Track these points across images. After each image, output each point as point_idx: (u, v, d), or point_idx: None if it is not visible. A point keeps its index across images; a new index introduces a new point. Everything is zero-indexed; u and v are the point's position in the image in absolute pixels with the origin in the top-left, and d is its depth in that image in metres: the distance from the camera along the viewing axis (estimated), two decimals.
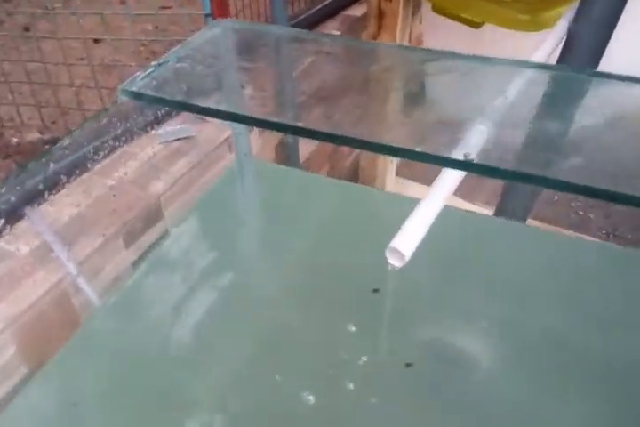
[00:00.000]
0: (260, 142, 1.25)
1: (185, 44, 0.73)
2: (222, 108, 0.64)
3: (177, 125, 1.16)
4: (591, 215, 1.82)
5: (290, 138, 1.23)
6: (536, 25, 1.24)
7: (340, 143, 0.56)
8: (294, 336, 0.77)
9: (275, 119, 0.61)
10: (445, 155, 0.55)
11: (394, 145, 0.54)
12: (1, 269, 0.84)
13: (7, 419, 0.67)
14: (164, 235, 0.95)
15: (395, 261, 0.65)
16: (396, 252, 0.64)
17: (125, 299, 0.82)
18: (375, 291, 0.81)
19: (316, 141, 1.42)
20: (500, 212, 1.09)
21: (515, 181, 0.57)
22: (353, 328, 0.77)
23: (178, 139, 1.14)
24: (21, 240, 0.88)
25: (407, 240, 0.63)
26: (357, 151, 1.55)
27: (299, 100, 0.66)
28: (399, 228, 0.65)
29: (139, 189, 1.02)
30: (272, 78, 0.74)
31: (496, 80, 0.69)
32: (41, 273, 0.84)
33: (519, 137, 0.62)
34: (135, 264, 0.95)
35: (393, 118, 0.68)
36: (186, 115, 1.20)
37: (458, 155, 0.56)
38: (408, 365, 0.73)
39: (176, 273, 0.84)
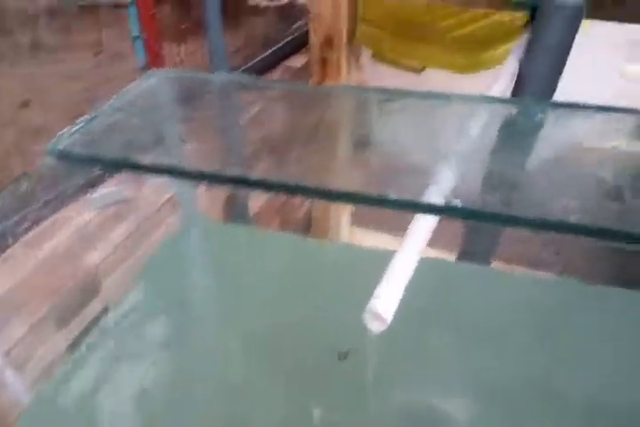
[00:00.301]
0: (206, 200, 1.16)
1: (119, 95, 0.66)
2: (161, 163, 0.56)
3: (112, 188, 1.06)
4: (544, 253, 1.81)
5: (238, 193, 1.15)
6: (475, 66, 1.24)
7: (307, 194, 0.49)
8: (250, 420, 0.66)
9: (221, 172, 0.53)
10: (425, 201, 0.49)
11: (370, 193, 0.47)
12: None
13: None
14: (102, 311, 0.83)
15: (374, 325, 0.57)
16: (376, 315, 0.56)
17: (58, 392, 0.69)
18: (342, 356, 0.72)
19: (266, 195, 1.34)
20: (463, 256, 1.04)
21: (496, 223, 0.50)
22: (318, 409, 0.67)
23: (115, 203, 1.04)
24: None
25: (386, 301, 0.55)
26: (308, 203, 1.49)
27: (245, 151, 0.59)
28: (359, 282, 0.58)
29: (72, 260, 0.90)
30: (215, 128, 0.67)
31: (451, 117, 0.65)
32: None
33: (486, 176, 0.57)
34: (70, 348, 0.83)
35: (351, 165, 0.62)
36: (122, 175, 1.10)
37: (437, 200, 0.49)
38: None
39: (118, 357, 0.72)
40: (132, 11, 1.07)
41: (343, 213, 1.51)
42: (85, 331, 0.80)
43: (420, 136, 0.63)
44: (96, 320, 0.78)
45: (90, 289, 0.90)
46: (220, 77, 0.72)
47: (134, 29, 1.07)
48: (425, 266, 0.69)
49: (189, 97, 0.68)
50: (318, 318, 0.78)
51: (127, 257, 0.96)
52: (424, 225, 0.64)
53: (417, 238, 0.61)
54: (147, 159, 0.57)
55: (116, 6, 1.76)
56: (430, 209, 0.49)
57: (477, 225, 0.99)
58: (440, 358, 0.74)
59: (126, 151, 0.58)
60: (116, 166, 0.60)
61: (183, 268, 0.90)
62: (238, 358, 0.74)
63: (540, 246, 1.85)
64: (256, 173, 0.54)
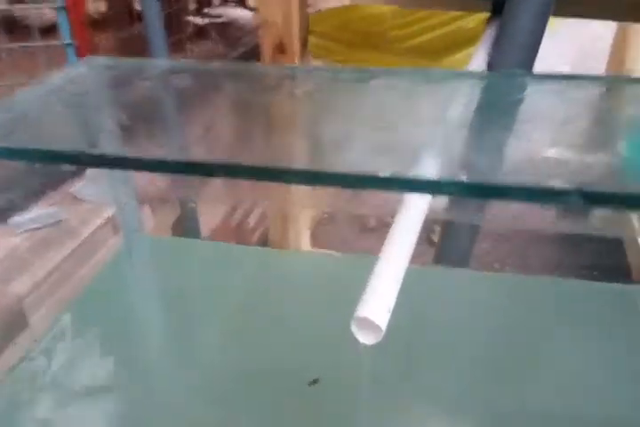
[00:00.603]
0: (153, 221, 1.05)
1: (43, 83, 0.55)
2: (98, 152, 0.45)
3: (41, 210, 0.93)
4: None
5: (188, 212, 1.04)
6: None
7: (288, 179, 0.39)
8: None
9: (171, 158, 0.43)
10: (426, 178, 0.40)
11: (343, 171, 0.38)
12: None
13: None
14: (28, 350, 0.69)
15: (365, 337, 0.47)
16: (367, 324, 0.46)
17: None
18: (313, 382, 0.61)
19: (219, 213, 1.23)
20: (438, 259, 0.96)
21: (508, 197, 0.42)
22: None
23: (44, 226, 0.91)
24: None
25: (379, 307, 0.46)
26: (265, 223, 1.39)
27: (200, 134, 0.49)
28: (325, 293, 0.48)
29: None
30: (156, 113, 0.56)
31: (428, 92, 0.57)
32: None
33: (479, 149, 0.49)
34: None
35: (314, 145, 0.53)
36: (53, 197, 0.97)
37: (433, 176, 0.41)
38: None
39: (46, 407, 0.59)
40: (62, 17, 0.97)
41: (302, 235, 1.42)
42: (8, 373, 0.65)
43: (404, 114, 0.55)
44: (21, 361, 0.64)
45: (14, 325, 0.76)
46: (156, 63, 0.63)
47: (65, 37, 0.97)
48: (409, 274, 0.60)
49: (128, 83, 0.58)
50: (291, 335, 0.67)
51: (57, 288, 0.83)
52: (409, 224, 0.56)
53: (404, 237, 0.52)
54: (78, 148, 0.46)
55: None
56: (428, 186, 0.40)
57: (453, 227, 0.92)
58: (418, 376, 0.65)
59: (54, 141, 0.48)
60: (38, 158, 0.49)
61: (128, 291, 0.77)
62: (197, 395, 0.62)
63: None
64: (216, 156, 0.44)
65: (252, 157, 0.41)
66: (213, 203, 1.20)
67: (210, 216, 1.19)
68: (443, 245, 0.91)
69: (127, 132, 0.50)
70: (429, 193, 0.50)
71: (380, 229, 1.67)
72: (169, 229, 1.07)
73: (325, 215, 1.99)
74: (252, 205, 1.36)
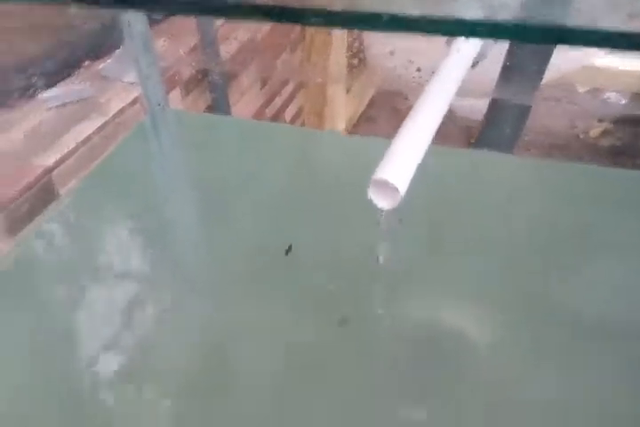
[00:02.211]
0: (183, 105, 1.02)
1: None
2: None
3: (71, 87, 0.91)
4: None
5: (218, 94, 1.00)
6: None
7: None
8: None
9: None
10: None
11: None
12: None
13: None
14: (54, 221, 0.70)
15: (382, 202, 0.44)
16: (385, 187, 0.42)
17: None
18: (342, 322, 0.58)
19: (247, 101, 1.19)
20: (480, 144, 0.91)
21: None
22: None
23: (73, 101, 0.89)
24: None
25: (398, 169, 0.42)
26: (299, 112, 1.34)
27: None
28: (356, 174, 0.44)
29: (23, 164, 0.77)
30: None
31: None
32: None
33: None
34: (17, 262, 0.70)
35: None
36: (83, 74, 0.95)
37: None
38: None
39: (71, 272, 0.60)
40: None
41: (337, 124, 1.37)
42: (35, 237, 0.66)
43: None
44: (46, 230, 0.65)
45: (44, 196, 0.76)
46: None
47: None
48: (436, 153, 0.55)
49: None
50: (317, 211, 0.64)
51: (85, 162, 0.82)
52: (437, 96, 0.50)
53: (439, 93, 0.47)
54: None
55: None
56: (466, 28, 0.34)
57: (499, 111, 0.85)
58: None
59: None
60: None
61: (150, 166, 0.76)
62: (223, 277, 0.61)
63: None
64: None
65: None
66: (245, 87, 1.15)
67: (243, 106, 1.15)
68: (486, 127, 0.85)
69: None
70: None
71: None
72: (198, 107, 1.04)
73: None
74: (288, 97, 1.30)
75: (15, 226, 0.72)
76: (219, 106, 1.00)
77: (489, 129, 0.92)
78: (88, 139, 0.84)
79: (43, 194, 0.77)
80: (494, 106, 0.92)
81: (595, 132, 1.82)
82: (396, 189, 0.41)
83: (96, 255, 0.62)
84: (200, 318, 0.56)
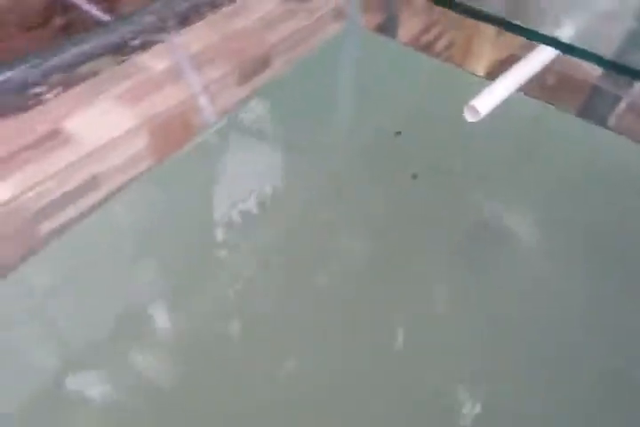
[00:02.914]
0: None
1: None
2: None
3: None
4: None
5: (390, 14, 1.32)
6: None
7: None
8: None
9: None
10: None
11: None
12: (139, 78, 1.01)
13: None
14: (269, 81, 1.10)
15: (471, 117, 0.79)
16: (473, 109, 0.77)
17: (234, 124, 0.99)
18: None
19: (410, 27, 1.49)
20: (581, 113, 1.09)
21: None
22: None
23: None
24: (157, 59, 1.05)
25: (485, 97, 0.76)
26: (449, 45, 1.61)
27: None
28: None
29: (256, 37, 1.16)
30: None
31: None
32: (171, 88, 1.01)
33: None
34: (243, 101, 1.11)
35: None
36: None
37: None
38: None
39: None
40: None
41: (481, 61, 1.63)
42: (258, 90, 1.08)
43: None
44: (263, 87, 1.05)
45: (263, 63, 1.16)
46: None
47: None
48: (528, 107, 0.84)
49: None
50: None
51: (294, 47, 1.20)
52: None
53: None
54: None
55: None
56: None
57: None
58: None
59: None
60: None
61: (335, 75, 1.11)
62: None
63: None
64: None
65: None
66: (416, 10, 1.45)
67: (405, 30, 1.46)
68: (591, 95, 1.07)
69: None
70: None
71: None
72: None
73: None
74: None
75: (243, 78, 1.12)
76: (388, 26, 1.33)
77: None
78: (297, 30, 1.21)
79: (261, 64, 1.16)
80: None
81: None
82: (477, 111, 0.76)
83: None
84: None
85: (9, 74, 0.86)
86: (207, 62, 1.07)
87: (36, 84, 0.84)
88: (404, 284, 0.66)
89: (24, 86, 0.82)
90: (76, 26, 1.47)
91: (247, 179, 0.85)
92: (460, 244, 0.72)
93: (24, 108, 0.82)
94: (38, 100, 0.85)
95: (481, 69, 1.78)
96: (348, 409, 0.53)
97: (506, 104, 0.83)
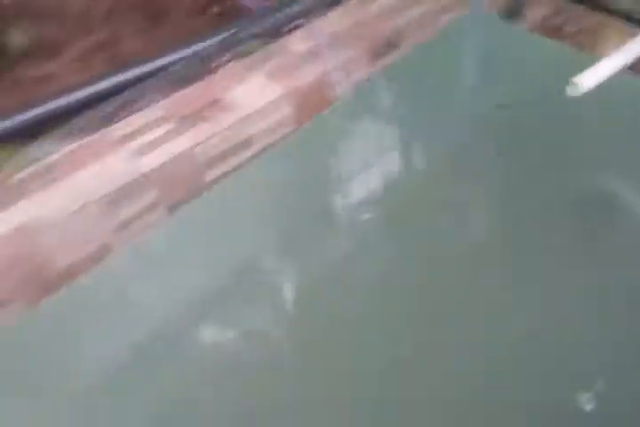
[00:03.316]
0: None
1: None
2: None
3: None
4: None
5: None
6: None
7: None
8: None
9: None
10: None
11: None
12: (285, 57, 1.21)
13: None
14: (396, 62, 1.24)
15: (572, 92, 0.88)
16: (576, 84, 0.87)
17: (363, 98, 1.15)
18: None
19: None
20: None
21: None
22: None
23: None
24: (300, 41, 1.24)
25: (589, 76, 0.85)
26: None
27: None
28: None
29: (385, 21, 1.31)
30: None
31: None
32: (311, 66, 1.19)
33: None
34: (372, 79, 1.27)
35: None
36: None
37: None
38: None
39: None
40: None
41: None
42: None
43: None
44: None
45: (390, 45, 1.31)
46: None
47: None
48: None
49: None
50: None
51: (421, 30, 1.34)
52: None
53: None
54: None
55: None
56: None
57: None
58: None
59: None
60: None
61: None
62: None
63: None
64: None
65: None
66: None
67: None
68: None
69: None
70: None
71: None
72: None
73: None
74: None
75: (374, 57, 1.28)
76: (512, 10, 1.41)
77: None
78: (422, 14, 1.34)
79: (389, 46, 1.31)
80: None
81: None
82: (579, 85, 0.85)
83: None
84: None
85: (189, 51, 1.09)
86: (342, 44, 1.24)
87: (209, 59, 1.06)
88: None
89: (202, 61, 1.04)
90: (230, 13, 1.72)
91: (373, 146, 1.02)
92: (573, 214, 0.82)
93: (199, 79, 1.04)
94: (209, 72, 1.07)
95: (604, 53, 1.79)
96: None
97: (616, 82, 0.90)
